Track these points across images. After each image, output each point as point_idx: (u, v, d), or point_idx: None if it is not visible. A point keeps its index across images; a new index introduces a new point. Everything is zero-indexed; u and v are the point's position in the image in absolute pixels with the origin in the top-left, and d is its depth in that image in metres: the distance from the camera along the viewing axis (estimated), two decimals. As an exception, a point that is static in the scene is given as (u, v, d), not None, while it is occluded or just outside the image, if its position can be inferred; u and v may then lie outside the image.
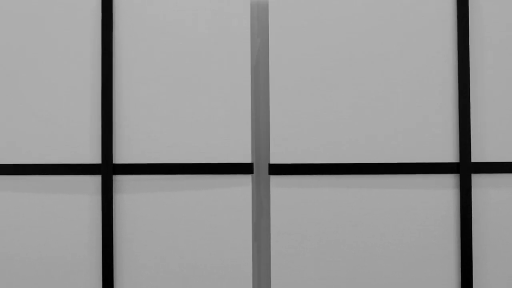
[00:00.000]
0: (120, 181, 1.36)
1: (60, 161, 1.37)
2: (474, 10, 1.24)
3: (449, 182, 1.22)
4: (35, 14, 1.45)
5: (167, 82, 1.37)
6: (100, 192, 1.37)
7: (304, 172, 1.23)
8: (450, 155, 1.22)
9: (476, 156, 1.21)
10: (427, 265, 1.21)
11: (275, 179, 1.25)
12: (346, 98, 1.26)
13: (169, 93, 1.36)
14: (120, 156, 1.37)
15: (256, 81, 1.42)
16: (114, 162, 1.36)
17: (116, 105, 1.39)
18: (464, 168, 1.20)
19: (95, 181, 1.37)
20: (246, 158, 1.27)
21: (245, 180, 1.27)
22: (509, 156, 1.22)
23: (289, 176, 1.25)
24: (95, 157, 1.38)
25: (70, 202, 1.37)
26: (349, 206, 1.22)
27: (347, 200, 1.23)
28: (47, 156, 1.37)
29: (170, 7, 1.38)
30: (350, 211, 1.22)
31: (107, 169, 1.35)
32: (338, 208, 1.23)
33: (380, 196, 1.22)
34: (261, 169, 1.37)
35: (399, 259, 1.21)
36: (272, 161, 1.26)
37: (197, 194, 1.31)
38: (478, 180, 1.21)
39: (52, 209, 1.37)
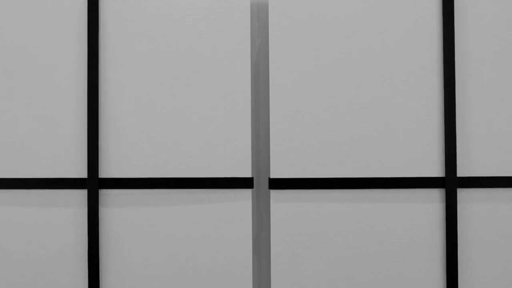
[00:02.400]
0: (106, 195, 1.31)
1: (46, 175, 1.31)
2: (459, 28, 1.27)
3: (435, 197, 1.27)
4: (14, 18, 1.31)
5: (160, 89, 1.29)
6: (86, 206, 1.31)
7: (304, 187, 1.24)
8: (436, 170, 1.27)
9: (462, 171, 1.28)
10: (415, 277, 1.27)
11: (275, 194, 1.25)
12: (346, 103, 1.26)
13: (162, 102, 1.29)
14: (114, 170, 1.30)
15: (256, 81, 1.37)
16: (105, 176, 1.30)
17: (103, 119, 1.30)
18: (450, 183, 1.26)
19: (83, 195, 1.31)
20: (246, 172, 1.24)
21: (245, 195, 1.25)
22: (495, 171, 1.26)
23: (289, 191, 1.25)
24: (81, 171, 1.30)
25: (57, 216, 1.31)
26: (345, 220, 1.27)
27: (343, 214, 1.27)
28: (33, 170, 1.31)
29: (170, 6, 1.30)
30: (347, 224, 1.27)
31: (93, 183, 1.27)
32: (335, 222, 1.27)
33: (371, 209, 1.27)
34: (261, 183, 1.35)
35: (389, 271, 1.28)
36: (272, 176, 1.24)
37: (196, 208, 1.28)
38: (463, 195, 1.28)
39: (38, 223, 1.31)
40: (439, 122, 1.27)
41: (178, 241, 1.28)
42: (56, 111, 1.31)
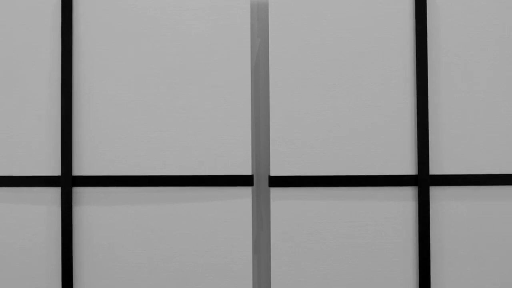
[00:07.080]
0: (82, 193, 1.23)
1: (19, 173, 1.26)
2: (432, 33, 1.33)
3: (408, 195, 1.26)
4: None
5: (158, 88, 1.25)
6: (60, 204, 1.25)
7: (303, 184, 1.25)
8: (409, 168, 1.30)
9: (435, 169, 1.29)
10: (388, 275, 1.29)
11: (275, 192, 1.25)
12: (344, 102, 1.28)
13: (157, 101, 1.24)
14: (94, 168, 1.22)
15: (256, 81, 1.36)
16: (82, 174, 1.22)
17: (79, 115, 1.23)
18: (423, 181, 1.29)
19: (57, 192, 1.25)
20: (247, 170, 1.26)
21: (245, 192, 1.26)
22: (467, 169, 1.26)
23: (289, 188, 1.25)
24: (56, 169, 1.24)
25: (30, 214, 1.27)
26: (335, 217, 1.27)
27: (334, 212, 1.28)
28: (5, 168, 1.27)
29: (170, 6, 1.27)
30: (337, 223, 1.28)
31: (67, 181, 1.21)
32: (328, 219, 1.27)
33: (349, 207, 1.28)
34: (261, 181, 1.37)
35: (364, 270, 1.28)
36: (273, 173, 1.26)
37: (195, 206, 1.23)
38: (436, 193, 1.27)
39: (11, 221, 1.27)
40: (412, 120, 1.26)
41: (173, 240, 1.21)
42: (29, 107, 1.23)
